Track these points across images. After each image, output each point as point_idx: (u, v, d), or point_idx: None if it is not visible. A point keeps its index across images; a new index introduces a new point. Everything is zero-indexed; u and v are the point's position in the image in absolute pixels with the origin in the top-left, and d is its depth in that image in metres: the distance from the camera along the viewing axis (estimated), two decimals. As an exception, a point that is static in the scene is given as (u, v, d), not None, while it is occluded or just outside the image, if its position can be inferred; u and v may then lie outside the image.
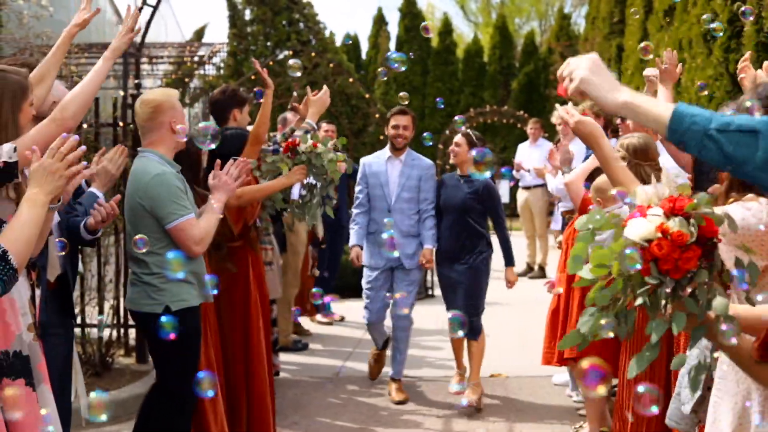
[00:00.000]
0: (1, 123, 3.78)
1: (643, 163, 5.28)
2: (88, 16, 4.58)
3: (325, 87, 6.54)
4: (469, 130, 7.22)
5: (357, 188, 7.53)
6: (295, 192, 6.73)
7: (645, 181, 5.27)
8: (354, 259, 7.47)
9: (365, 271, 7.39)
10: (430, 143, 6.62)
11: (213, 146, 5.15)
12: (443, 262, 7.20)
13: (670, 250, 2.28)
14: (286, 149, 6.16)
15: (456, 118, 6.57)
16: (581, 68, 2.39)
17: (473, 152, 3.56)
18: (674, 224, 2.31)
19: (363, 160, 7.61)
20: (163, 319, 3.98)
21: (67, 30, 4.47)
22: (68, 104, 4.11)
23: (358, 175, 7.55)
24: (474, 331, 7.02)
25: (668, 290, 2.28)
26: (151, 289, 4.74)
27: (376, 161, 7.49)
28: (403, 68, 5.47)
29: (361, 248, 7.40)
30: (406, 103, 6.44)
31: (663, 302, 2.30)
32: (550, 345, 6.30)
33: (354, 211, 7.51)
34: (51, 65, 4.38)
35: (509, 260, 7.15)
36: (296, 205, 6.45)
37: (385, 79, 6.36)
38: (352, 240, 7.48)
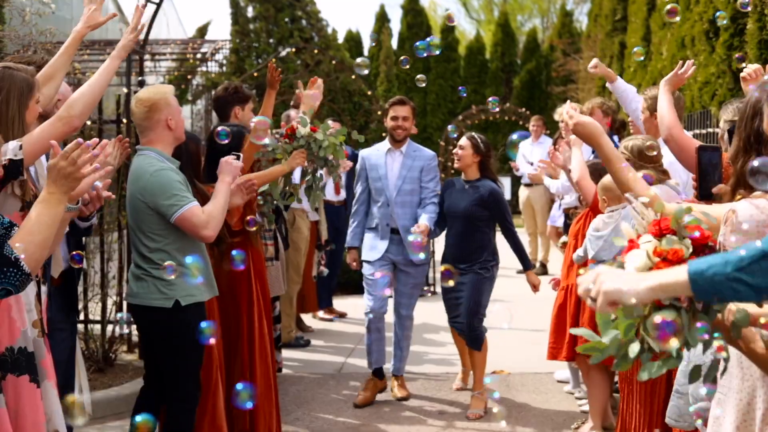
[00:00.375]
0: (8, 120, 3.80)
1: (647, 164, 5.30)
2: (103, 20, 4.59)
3: (319, 81, 6.50)
4: (473, 133, 7.01)
5: (357, 183, 7.35)
6: (296, 177, 6.72)
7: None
8: (351, 263, 7.36)
9: (365, 265, 7.19)
10: (455, 135, 6.60)
11: (267, 140, 5.27)
12: (445, 272, 6.81)
13: None
14: (285, 135, 6.16)
15: (490, 99, 6.42)
16: (599, 283, 2.33)
17: (515, 135, 3.50)
18: (666, 243, 2.34)
19: (362, 154, 7.38)
20: (203, 324, 3.98)
21: (77, 30, 4.48)
22: (75, 103, 4.12)
23: (357, 169, 7.37)
24: (476, 341, 6.82)
25: (685, 306, 2.30)
26: (162, 283, 4.75)
27: (375, 154, 7.24)
28: (437, 52, 5.47)
29: (358, 249, 7.26)
30: (423, 85, 6.35)
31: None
32: (556, 340, 6.28)
33: (353, 207, 7.36)
34: (60, 65, 4.40)
35: (526, 265, 6.93)
36: (299, 187, 6.43)
37: (407, 66, 6.34)
38: (349, 241, 7.33)
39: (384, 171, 7.11)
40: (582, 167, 6.05)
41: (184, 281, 4.66)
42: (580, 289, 2.41)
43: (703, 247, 2.35)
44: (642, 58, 6.34)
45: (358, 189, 7.30)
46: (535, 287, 6.91)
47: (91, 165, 3.12)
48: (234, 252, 4.74)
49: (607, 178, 5.69)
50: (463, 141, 6.95)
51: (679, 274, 2.24)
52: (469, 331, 6.81)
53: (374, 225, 7.16)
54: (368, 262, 7.16)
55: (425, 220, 6.84)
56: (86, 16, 4.52)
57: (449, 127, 6.77)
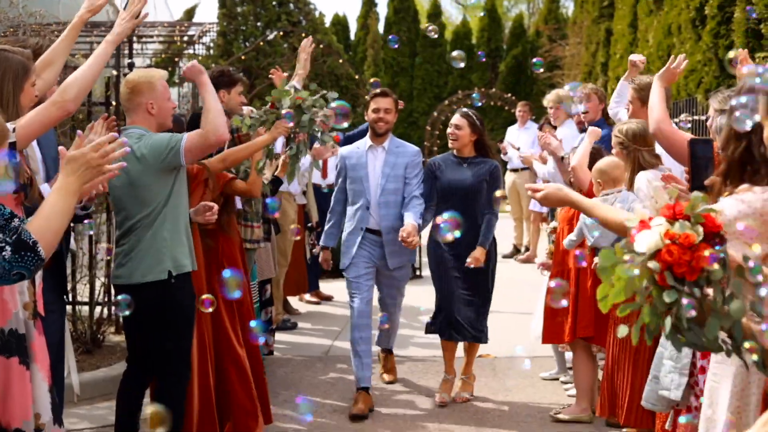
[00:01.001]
0: (2, 102, 3.81)
1: (641, 148, 5.37)
2: (101, 2, 4.61)
3: (306, 40, 6.58)
4: (467, 110, 6.74)
5: (336, 180, 6.96)
6: (279, 146, 6.65)
7: (642, 166, 5.36)
8: (323, 263, 7.09)
9: (346, 267, 6.78)
10: (479, 104, 6.53)
11: (346, 124, 5.32)
12: (446, 260, 6.59)
13: (681, 253, 2.34)
14: (271, 106, 6.12)
15: (535, 60, 6.16)
16: None
17: (567, 87, 3.50)
18: (679, 228, 2.38)
19: (341, 152, 6.99)
20: (253, 323, 4.03)
21: (78, 15, 4.50)
22: (69, 87, 4.13)
23: (337, 168, 7.00)
24: (481, 337, 6.69)
25: (688, 291, 2.35)
26: (155, 257, 4.80)
27: (355, 153, 6.79)
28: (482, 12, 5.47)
29: (331, 250, 6.98)
30: (435, 36, 6.16)
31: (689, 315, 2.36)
32: (552, 325, 6.28)
33: (332, 203, 6.98)
34: (60, 49, 4.41)
35: (484, 241, 6.52)
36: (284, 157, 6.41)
37: (434, 35, 6.27)
38: (324, 240, 6.98)
39: (365, 171, 6.70)
40: (584, 156, 6.09)
41: (177, 256, 4.79)
42: None
43: (714, 235, 2.40)
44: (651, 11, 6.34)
45: (337, 187, 6.94)
46: (475, 260, 6.46)
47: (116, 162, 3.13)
48: (268, 200, 4.75)
49: (602, 162, 5.74)
50: (459, 120, 6.68)
51: None
52: (475, 330, 6.64)
53: (350, 228, 6.78)
54: (347, 266, 6.76)
55: (411, 218, 6.49)
56: (87, 2, 4.54)
57: (473, 96, 6.63)
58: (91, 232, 4.15)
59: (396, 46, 6.24)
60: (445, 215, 4.58)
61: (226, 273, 3.96)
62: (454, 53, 5.99)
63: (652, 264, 2.37)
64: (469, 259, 6.46)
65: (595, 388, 6.22)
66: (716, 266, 2.35)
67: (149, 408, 3.78)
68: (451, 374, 6.83)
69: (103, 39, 4.50)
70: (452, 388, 6.80)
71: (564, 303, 2.70)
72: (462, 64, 5.99)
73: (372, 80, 6.68)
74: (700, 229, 2.40)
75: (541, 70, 5.57)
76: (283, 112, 5.85)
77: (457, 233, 4.68)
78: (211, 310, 4.67)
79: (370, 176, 6.69)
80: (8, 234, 2.94)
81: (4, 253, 2.90)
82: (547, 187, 3.51)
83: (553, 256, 6.49)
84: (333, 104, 5.66)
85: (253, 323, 4.03)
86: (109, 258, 4.63)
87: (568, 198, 3.44)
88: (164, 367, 4.98)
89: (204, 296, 4.64)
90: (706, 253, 2.35)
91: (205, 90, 4.94)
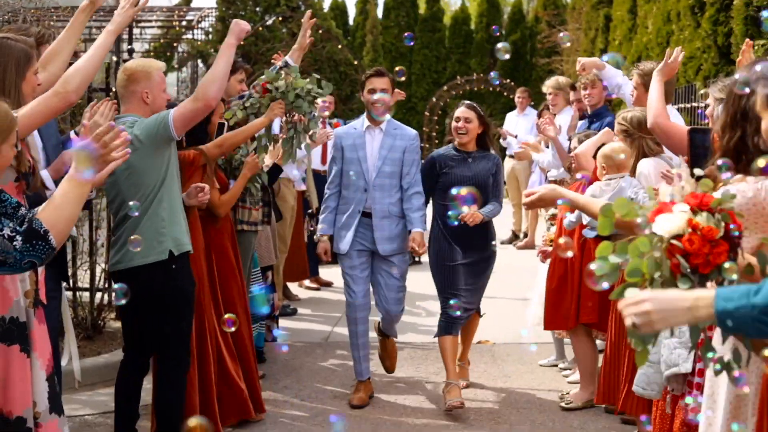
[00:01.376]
0: (5, 90, 3.82)
1: (645, 135, 5.39)
2: None
3: (308, 14, 6.59)
4: (472, 102, 6.64)
5: (331, 164, 6.74)
6: (276, 128, 6.65)
7: (646, 153, 5.39)
8: (321, 254, 6.71)
9: (341, 257, 6.59)
10: (497, 81, 6.51)
11: (388, 116, 5.36)
12: (454, 253, 6.43)
13: (701, 245, 2.36)
14: (264, 92, 6.11)
15: (562, 34, 6.08)
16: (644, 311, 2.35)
17: (606, 57, 3.45)
18: (703, 219, 2.40)
19: (337, 132, 6.74)
20: (276, 331, 4.07)
21: (80, 8, 4.50)
22: (71, 77, 4.14)
23: (333, 150, 6.74)
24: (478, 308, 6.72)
25: (698, 283, 2.37)
26: (155, 238, 4.83)
27: (352, 133, 6.56)
28: None
29: (330, 238, 6.70)
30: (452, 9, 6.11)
31: None
32: (556, 311, 6.28)
33: (326, 191, 6.68)
34: (65, 40, 4.42)
35: (484, 212, 6.27)
36: (279, 140, 6.40)
37: (412, 44, 6.22)
38: (321, 228, 6.65)
39: (363, 153, 6.48)
40: (591, 147, 6.10)
41: (176, 236, 4.87)
42: (622, 305, 2.43)
43: (732, 233, 2.42)
44: None
45: (332, 171, 6.66)
46: (471, 215, 6.11)
47: (121, 150, 3.16)
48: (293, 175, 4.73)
49: (607, 147, 5.76)
50: (468, 113, 6.50)
51: (707, 307, 2.29)
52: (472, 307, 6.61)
53: (348, 212, 6.53)
54: (343, 255, 6.56)
55: (418, 224, 6.39)
56: None
57: (492, 74, 6.59)
58: (137, 213, 4.22)
59: (411, 43, 6.18)
60: (462, 189, 4.44)
61: (255, 289, 3.99)
62: (499, 45, 5.91)
63: (675, 242, 2.38)
64: (461, 214, 6.03)
65: (596, 372, 6.24)
66: (731, 264, 2.37)
67: (191, 421, 3.80)
68: (454, 378, 6.44)
69: (102, 25, 4.52)
70: (459, 390, 6.38)
71: (605, 286, 2.71)
72: (507, 56, 5.95)
73: (397, 69, 6.63)
74: (723, 224, 2.42)
75: (569, 44, 5.55)
76: (320, 101, 5.92)
77: (469, 209, 4.64)
78: (233, 329, 4.72)
79: (368, 157, 6.50)
80: (17, 222, 2.95)
81: (15, 243, 2.92)
82: (540, 189, 3.54)
83: (554, 242, 6.48)
84: (375, 96, 5.68)
85: (275, 331, 4.08)
86: (138, 249, 4.62)
87: (564, 196, 3.47)
88: (163, 351, 5.02)
89: (227, 316, 4.69)
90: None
91: (223, 53, 4.91)
